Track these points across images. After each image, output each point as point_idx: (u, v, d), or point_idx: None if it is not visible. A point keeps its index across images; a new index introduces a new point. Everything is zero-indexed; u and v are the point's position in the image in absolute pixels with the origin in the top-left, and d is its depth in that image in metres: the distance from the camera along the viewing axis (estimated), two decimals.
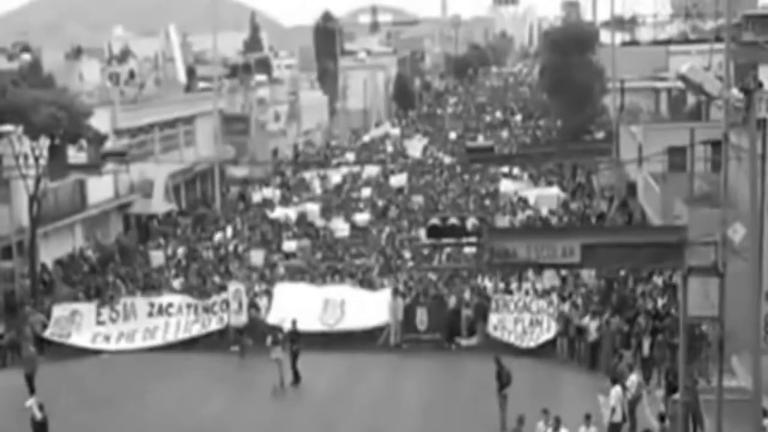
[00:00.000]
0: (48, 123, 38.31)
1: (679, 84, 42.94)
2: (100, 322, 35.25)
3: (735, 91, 21.43)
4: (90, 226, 49.60)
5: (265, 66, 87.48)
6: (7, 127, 37.67)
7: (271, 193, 58.62)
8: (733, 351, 26.68)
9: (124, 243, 49.22)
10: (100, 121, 44.15)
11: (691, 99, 50.02)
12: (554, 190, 53.82)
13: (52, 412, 27.73)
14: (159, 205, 54.79)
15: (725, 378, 22.48)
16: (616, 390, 24.59)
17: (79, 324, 35.10)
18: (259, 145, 71.35)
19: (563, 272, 35.91)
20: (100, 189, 49.57)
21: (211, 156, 61.04)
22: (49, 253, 43.86)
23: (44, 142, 39.67)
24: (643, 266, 29.90)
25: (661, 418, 23.57)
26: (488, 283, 36.71)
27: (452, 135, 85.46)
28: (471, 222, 23.33)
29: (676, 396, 22.26)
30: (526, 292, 34.92)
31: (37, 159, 39.68)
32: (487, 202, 53.21)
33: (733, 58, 32.55)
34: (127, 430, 27.32)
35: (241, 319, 34.36)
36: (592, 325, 31.54)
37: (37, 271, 41.28)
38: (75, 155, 42.51)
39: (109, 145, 45.28)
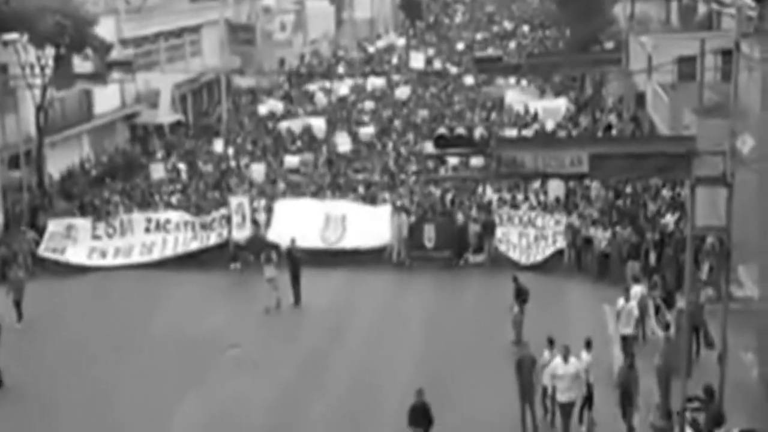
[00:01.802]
0: (53, 31, 38.05)
1: None
2: (95, 237, 34.87)
3: (747, 0, 21.16)
4: (97, 136, 49.51)
5: None
6: (12, 36, 37.38)
7: (277, 105, 58.17)
8: (741, 261, 26.84)
9: (129, 154, 49.17)
10: (105, 30, 43.81)
11: (702, 8, 49.42)
12: (561, 102, 53.34)
13: (47, 329, 28.12)
14: (165, 115, 54.65)
15: (732, 288, 22.65)
16: (631, 305, 24.69)
17: (74, 239, 34.72)
18: (265, 54, 70.83)
19: (571, 184, 35.91)
20: (106, 99, 49.29)
21: (217, 66, 60.64)
22: (56, 163, 43.87)
23: (50, 51, 39.49)
24: (652, 176, 29.77)
25: (666, 327, 23.75)
26: (493, 195, 36.57)
27: (460, 46, 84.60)
28: (479, 132, 23.15)
29: (681, 305, 22.39)
30: (531, 207, 34.90)
31: (42, 68, 39.53)
32: (494, 114, 52.81)
33: None
34: (123, 344, 27.33)
35: (245, 233, 34.04)
36: (601, 235, 31.65)
37: (44, 181, 41.43)
38: (80, 64, 42.28)
39: (115, 54, 45.00)
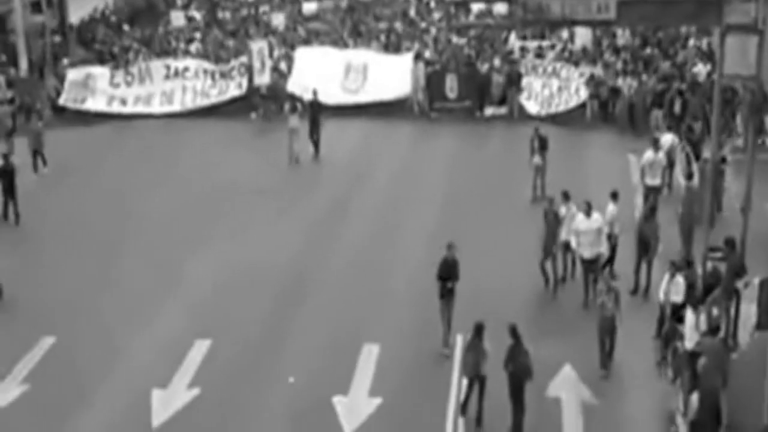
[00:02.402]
0: None
1: None
2: (114, 85, 34.72)
3: None
4: None
5: None
6: None
7: None
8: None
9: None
10: None
11: None
12: None
13: (69, 176, 28.53)
14: None
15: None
16: (660, 156, 24.33)
17: (93, 88, 34.58)
18: None
19: (598, 32, 35.28)
20: None
21: None
22: (77, 8, 43.31)
23: None
24: (681, 24, 29.35)
25: (689, 176, 23.60)
26: (516, 43, 35.86)
27: None
28: None
29: (707, 155, 22.21)
30: (557, 57, 34.20)
31: None
32: None
33: None
34: (145, 190, 27.59)
35: (264, 78, 33.58)
36: (629, 84, 31.21)
37: (66, 26, 40.97)
38: None
39: None
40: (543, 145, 25.96)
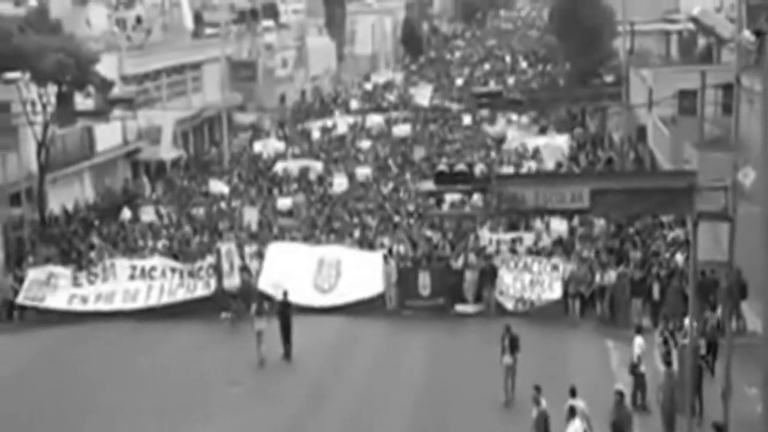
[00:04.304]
0: (55, 69, 38.19)
1: (691, 26, 42.55)
2: (77, 285, 33.54)
3: (747, 33, 21.21)
4: (98, 173, 49.53)
5: (272, 11, 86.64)
6: (14, 74, 37.42)
7: (274, 144, 57.58)
8: (743, 295, 26.73)
9: (130, 191, 49.07)
10: (106, 68, 43.86)
11: (701, 41, 49.66)
12: (562, 139, 52.48)
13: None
14: (167, 151, 54.71)
15: (735, 322, 22.45)
16: (639, 341, 24.04)
17: (54, 287, 33.39)
18: (266, 91, 71.06)
19: (574, 222, 35.29)
20: (107, 136, 49.33)
21: (218, 102, 60.80)
22: (57, 200, 43.83)
23: (51, 89, 39.69)
24: (653, 212, 29.73)
25: (668, 363, 23.49)
26: (491, 235, 35.66)
27: (459, 81, 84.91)
28: (479, 168, 23.08)
29: (685, 341, 22.20)
30: (530, 251, 33.76)
31: (44, 106, 39.70)
32: (493, 154, 52.05)
33: None
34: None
35: (234, 281, 32.55)
36: (608, 278, 30.81)
37: (45, 218, 41.31)
38: (82, 102, 42.33)
39: (117, 91, 45.04)
40: (514, 345, 24.93)
